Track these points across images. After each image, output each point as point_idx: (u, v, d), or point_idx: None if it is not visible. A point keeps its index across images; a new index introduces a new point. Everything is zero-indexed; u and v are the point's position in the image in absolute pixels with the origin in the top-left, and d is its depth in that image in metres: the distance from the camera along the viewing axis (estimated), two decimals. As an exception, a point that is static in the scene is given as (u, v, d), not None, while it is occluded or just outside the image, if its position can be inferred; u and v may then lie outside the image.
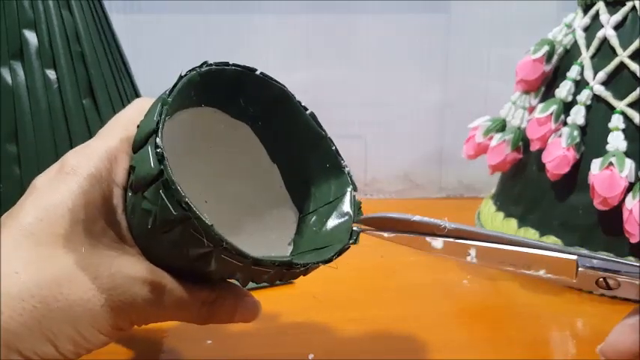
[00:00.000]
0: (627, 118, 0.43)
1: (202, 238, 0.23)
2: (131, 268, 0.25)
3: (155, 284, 0.25)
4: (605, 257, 0.27)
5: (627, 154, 0.42)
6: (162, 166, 0.23)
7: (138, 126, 0.26)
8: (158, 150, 0.23)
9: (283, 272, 0.27)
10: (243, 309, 0.29)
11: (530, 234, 0.47)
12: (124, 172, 0.27)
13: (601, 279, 0.27)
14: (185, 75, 0.27)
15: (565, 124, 0.46)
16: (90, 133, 0.43)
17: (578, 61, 0.46)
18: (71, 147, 0.42)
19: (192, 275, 0.27)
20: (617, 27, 0.44)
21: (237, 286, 0.29)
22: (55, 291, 0.23)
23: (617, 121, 0.43)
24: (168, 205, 0.23)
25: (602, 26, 0.44)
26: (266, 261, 0.25)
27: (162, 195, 0.23)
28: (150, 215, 0.24)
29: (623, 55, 0.43)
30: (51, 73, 0.42)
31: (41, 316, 0.22)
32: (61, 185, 0.25)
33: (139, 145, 0.25)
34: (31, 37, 0.42)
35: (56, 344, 0.23)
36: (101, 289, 0.24)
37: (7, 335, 0.22)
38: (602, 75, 0.44)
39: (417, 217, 0.28)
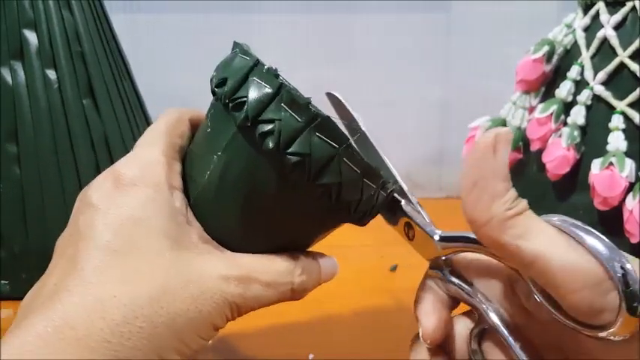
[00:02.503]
0: (627, 118, 0.43)
1: (328, 140, 0.24)
2: (215, 267, 0.25)
3: (242, 278, 0.25)
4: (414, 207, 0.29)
5: (627, 154, 0.42)
6: (280, 80, 0.25)
7: (220, 82, 0.26)
8: (272, 68, 0.25)
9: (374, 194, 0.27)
10: (326, 270, 0.29)
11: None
12: (178, 176, 0.27)
13: (406, 224, 0.29)
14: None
15: (565, 124, 0.46)
16: (90, 133, 0.44)
17: (579, 61, 0.46)
18: (71, 146, 0.43)
19: (279, 243, 0.27)
20: (618, 27, 0.44)
21: (311, 251, 0.30)
22: (155, 307, 0.22)
23: (617, 121, 0.43)
24: (293, 114, 0.24)
25: (603, 26, 0.44)
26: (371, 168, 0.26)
27: (285, 107, 0.24)
28: (270, 136, 0.24)
29: (623, 55, 0.43)
30: (51, 73, 0.42)
31: (148, 335, 0.22)
32: (126, 198, 0.25)
33: (239, 84, 0.25)
34: (31, 36, 0.42)
35: (164, 359, 0.23)
36: (195, 295, 0.24)
37: None
38: (602, 75, 0.44)
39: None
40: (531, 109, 0.50)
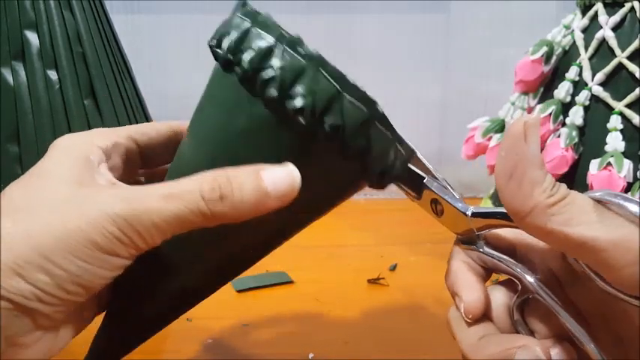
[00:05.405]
0: (626, 119, 0.43)
1: (332, 82, 0.24)
2: (104, 189, 0.24)
3: (131, 192, 0.23)
4: (445, 186, 0.28)
5: (625, 154, 0.42)
6: (281, 29, 0.24)
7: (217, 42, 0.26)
8: (271, 21, 0.25)
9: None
10: (272, 179, 0.24)
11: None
12: (112, 145, 0.28)
13: (433, 200, 0.28)
14: None
15: (564, 124, 0.46)
16: (91, 134, 0.44)
17: (577, 62, 0.46)
18: (72, 147, 0.43)
19: None
20: (616, 28, 0.44)
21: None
22: (12, 217, 0.22)
23: (615, 122, 0.43)
24: (295, 54, 0.24)
25: (601, 27, 0.44)
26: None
27: (289, 52, 0.24)
28: (273, 82, 0.24)
29: (621, 56, 0.43)
30: (52, 74, 0.43)
31: (37, 245, 0.22)
32: (52, 152, 0.26)
33: (241, 38, 0.25)
34: (32, 37, 0.42)
35: (24, 275, 0.21)
36: (60, 207, 0.23)
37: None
38: (600, 76, 0.44)
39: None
40: (530, 110, 0.50)
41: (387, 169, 0.26)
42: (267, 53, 0.24)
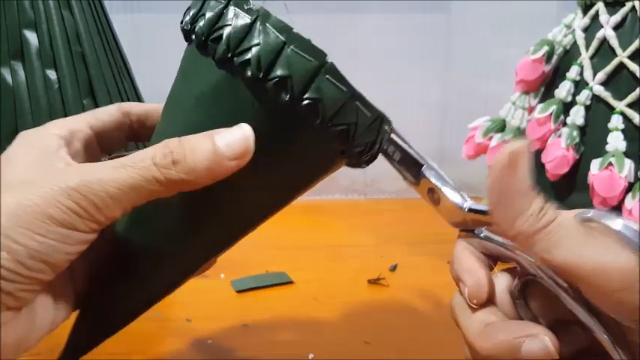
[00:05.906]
0: (627, 119, 0.43)
1: (307, 57, 0.24)
2: (61, 176, 0.23)
3: (83, 165, 0.24)
4: (442, 176, 0.28)
5: (627, 154, 0.42)
6: (263, 9, 0.25)
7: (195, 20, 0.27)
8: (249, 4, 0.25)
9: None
10: (225, 140, 0.24)
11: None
12: (74, 130, 0.28)
13: (430, 189, 0.28)
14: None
15: (564, 124, 0.46)
16: (90, 133, 0.44)
17: (578, 61, 0.46)
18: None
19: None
20: (617, 27, 0.44)
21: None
22: (4, 197, 0.22)
23: (616, 122, 0.43)
24: (242, 12, 0.25)
25: (602, 27, 0.44)
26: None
27: (236, 11, 0.25)
28: (222, 41, 0.25)
29: (622, 56, 0.43)
30: (51, 73, 0.42)
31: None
32: (14, 143, 0.27)
33: (199, 10, 0.26)
34: (31, 37, 0.42)
35: (10, 248, 0.22)
36: (15, 184, 0.23)
37: None
38: (601, 75, 0.44)
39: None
40: (531, 110, 0.50)
41: (349, 131, 0.25)
42: (217, 17, 0.25)
